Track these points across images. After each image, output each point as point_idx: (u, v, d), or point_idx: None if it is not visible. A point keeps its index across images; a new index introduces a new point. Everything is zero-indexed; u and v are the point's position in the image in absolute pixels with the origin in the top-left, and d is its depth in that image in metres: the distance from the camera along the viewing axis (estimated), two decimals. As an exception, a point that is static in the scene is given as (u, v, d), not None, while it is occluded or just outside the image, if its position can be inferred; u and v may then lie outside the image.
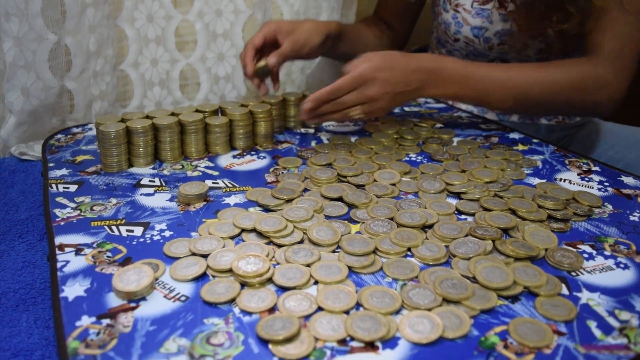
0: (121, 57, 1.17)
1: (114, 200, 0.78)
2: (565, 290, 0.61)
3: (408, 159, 0.95)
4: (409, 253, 0.67)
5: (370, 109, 0.96)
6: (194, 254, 0.66)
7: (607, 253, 0.68)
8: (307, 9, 1.33)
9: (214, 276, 0.62)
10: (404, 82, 0.95)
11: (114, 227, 0.72)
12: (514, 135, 1.06)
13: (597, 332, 0.55)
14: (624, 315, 0.57)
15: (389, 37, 1.30)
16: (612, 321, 0.56)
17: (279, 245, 0.68)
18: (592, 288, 0.61)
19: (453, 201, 0.79)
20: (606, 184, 0.86)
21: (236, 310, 0.57)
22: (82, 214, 0.75)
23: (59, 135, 1.02)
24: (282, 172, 0.88)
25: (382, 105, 0.96)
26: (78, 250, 0.67)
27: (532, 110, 1.05)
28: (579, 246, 0.69)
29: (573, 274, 0.64)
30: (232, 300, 0.58)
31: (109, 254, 0.66)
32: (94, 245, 0.68)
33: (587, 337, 0.54)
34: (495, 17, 1.09)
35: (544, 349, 0.52)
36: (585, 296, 0.60)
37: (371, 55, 0.96)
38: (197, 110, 0.97)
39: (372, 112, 0.97)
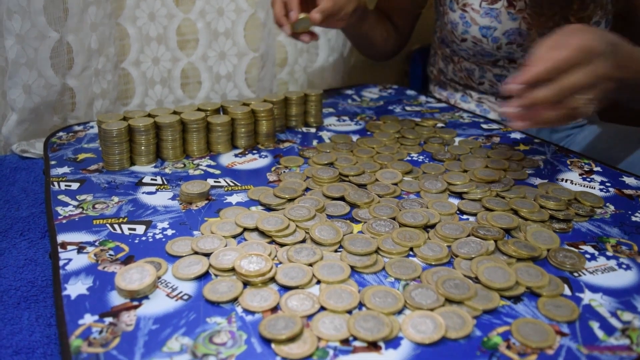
0: (123, 56, 1.17)
1: (115, 199, 0.78)
2: (567, 291, 0.61)
3: (410, 158, 0.95)
4: (411, 253, 0.67)
5: (599, 93, 0.72)
6: (196, 253, 0.66)
7: (609, 254, 0.68)
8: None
9: (216, 275, 0.62)
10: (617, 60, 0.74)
11: (116, 226, 0.72)
12: (516, 135, 1.06)
13: (600, 333, 0.55)
14: (627, 316, 0.57)
15: (394, 37, 1.30)
16: (614, 322, 0.56)
17: (281, 245, 0.68)
18: (594, 289, 0.61)
19: (455, 201, 0.79)
20: (608, 184, 0.86)
21: (239, 309, 0.57)
22: (84, 212, 0.75)
23: (61, 133, 1.02)
24: (284, 171, 0.88)
25: (607, 87, 0.73)
26: (80, 248, 0.67)
27: None
28: (581, 247, 0.69)
29: (575, 274, 0.64)
30: (234, 300, 0.58)
31: (111, 252, 0.66)
32: (96, 244, 0.68)
33: (590, 337, 0.54)
34: (504, 16, 1.09)
35: (546, 349, 0.52)
36: (587, 297, 0.60)
37: (574, 27, 0.75)
38: (199, 109, 0.97)
39: (600, 99, 0.73)
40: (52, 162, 0.90)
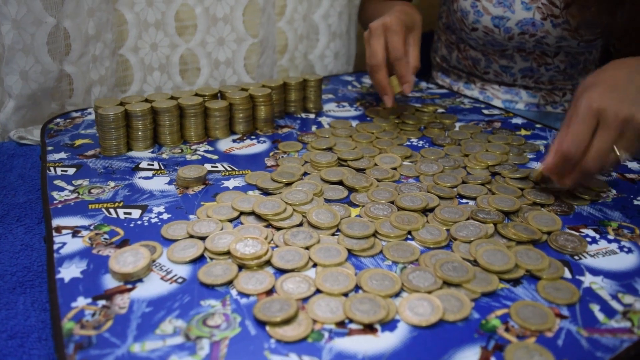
0: (120, 42, 1.16)
1: (112, 184, 0.78)
2: (568, 274, 0.60)
3: (409, 143, 0.94)
4: (409, 236, 0.66)
5: (630, 138, 0.66)
6: (191, 237, 0.65)
7: (611, 237, 0.67)
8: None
9: (211, 258, 0.61)
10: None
11: (111, 210, 0.71)
12: (517, 120, 1.04)
13: (600, 316, 0.54)
14: (628, 298, 0.56)
15: None
16: (615, 305, 0.55)
17: (278, 228, 0.67)
18: (595, 272, 0.60)
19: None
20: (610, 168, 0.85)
21: (233, 292, 0.56)
22: (80, 196, 0.74)
23: (58, 120, 1.01)
24: (282, 156, 0.87)
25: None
26: (75, 232, 0.66)
27: None
28: (582, 230, 0.68)
29: (576, 257, 0.63)
30: (229, 282, 0.57)
31: (106, 236, 0.65)
32: (91, 228, 0.67)
33: (590, 320, 0.53)
34: (517, 6, 1.07)
35: (545, 332, 0.51)
36: (588, 280, 0.59)
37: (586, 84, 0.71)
38: (196, 94, 0.96)
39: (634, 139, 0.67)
40: (49, 148, 0.89)
